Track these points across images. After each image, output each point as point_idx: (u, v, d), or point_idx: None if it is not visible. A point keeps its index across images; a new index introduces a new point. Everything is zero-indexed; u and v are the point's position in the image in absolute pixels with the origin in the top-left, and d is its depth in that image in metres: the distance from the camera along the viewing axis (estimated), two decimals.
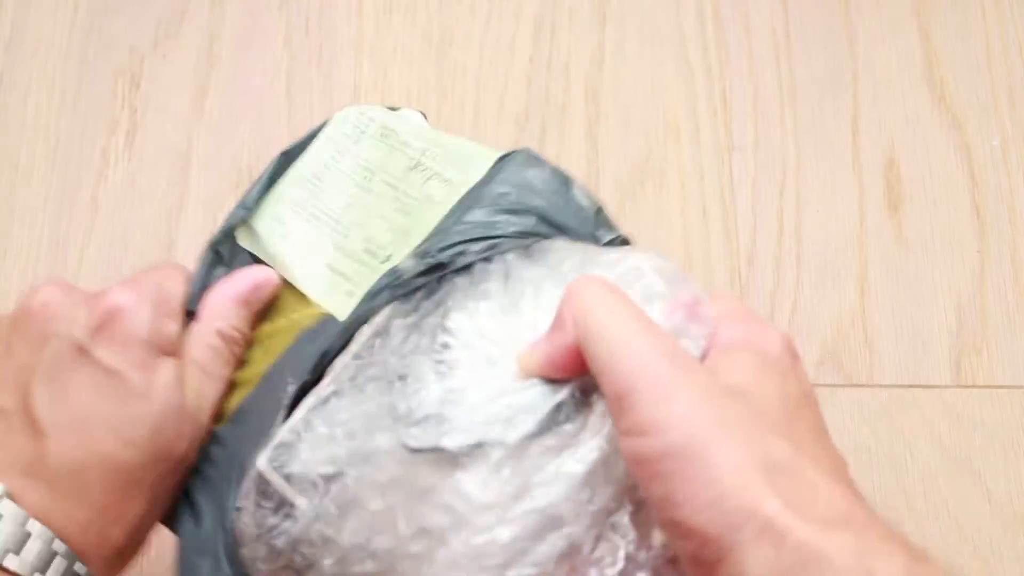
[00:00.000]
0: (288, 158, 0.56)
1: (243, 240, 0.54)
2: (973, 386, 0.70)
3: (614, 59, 0.78)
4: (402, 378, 0.42)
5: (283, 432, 0.42)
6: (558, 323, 0.38)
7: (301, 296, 0.52)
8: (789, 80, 0.77)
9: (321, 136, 0.56)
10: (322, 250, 0.53)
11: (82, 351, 0.42)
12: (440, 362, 0.42)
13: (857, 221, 0.74)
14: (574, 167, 0.74)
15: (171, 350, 0.45)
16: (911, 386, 0.69)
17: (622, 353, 0.34)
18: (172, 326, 0.46)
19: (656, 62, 0.78)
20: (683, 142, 0.75)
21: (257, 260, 0.53)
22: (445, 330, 0.43)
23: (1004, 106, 0.76)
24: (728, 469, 0.32)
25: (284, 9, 0.79)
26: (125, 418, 0.42)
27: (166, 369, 0.44)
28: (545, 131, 0.76)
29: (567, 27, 0.79)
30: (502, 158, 0.53)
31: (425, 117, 0.58)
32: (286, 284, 0.52)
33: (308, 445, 0.41)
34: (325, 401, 0.43)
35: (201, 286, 0.51)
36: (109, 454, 0.41)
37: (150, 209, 0.73)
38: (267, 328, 0.51)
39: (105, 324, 0.43)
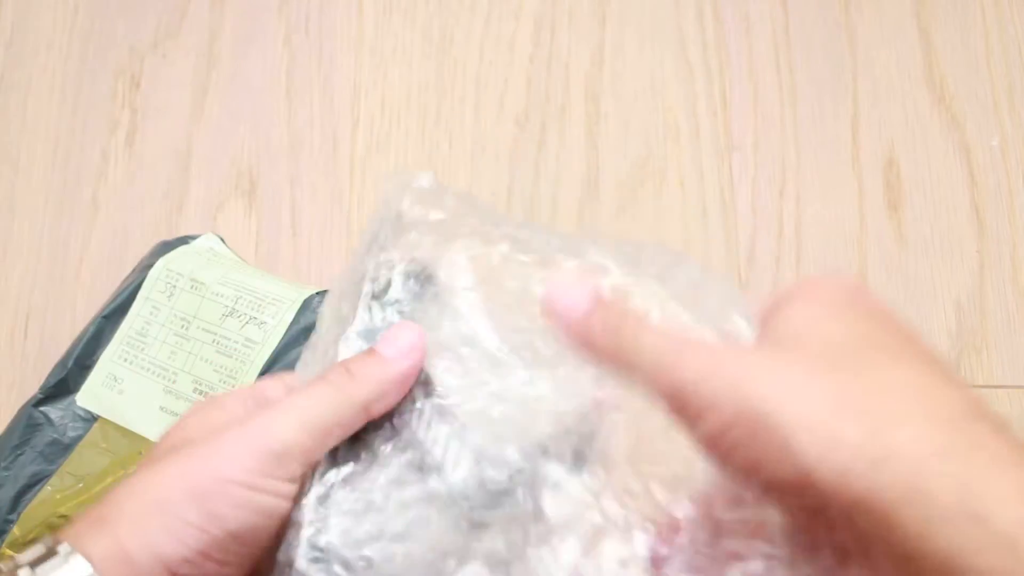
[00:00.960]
0: (109, 320, 0.63)
1: (84, 401, 0.61)
2: (972, 386, 0.70)
3: (614, 59, 0.78)
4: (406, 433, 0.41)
5: (306, 521, 0.41)
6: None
7: (137, 448, 0.59)
8: (789, 80, 0.77)
9: (139, 297, 0.64)
10: (154, 396, 0.61)
11: None
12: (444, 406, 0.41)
13: (857, 221, 0.74)
14: (574, 167, 0.74)
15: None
16: None
17: (661, 364, 0.34)
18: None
19: (656, 62, 0.78)
20: (683, 142, 0.76)
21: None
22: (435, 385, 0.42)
23: (1003, 106, 0.77)
24: (794, 411, 0.31)
25: (284, 9, 0.79)
26: None
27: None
28: (545, 131, 0.76)
29: (567, 27, 0.79)
30: (307, 299, 0.62)
31: (223, 241, 0.67)
32: (123, 439, 0.59)
33: (338, 526, 0.40)
34: (344, 479, 0.42)
35: (14, 447, 0.59)
36: None
37: (150, 209, 0.73)
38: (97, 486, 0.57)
39: None
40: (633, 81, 0.78)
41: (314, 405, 0.39)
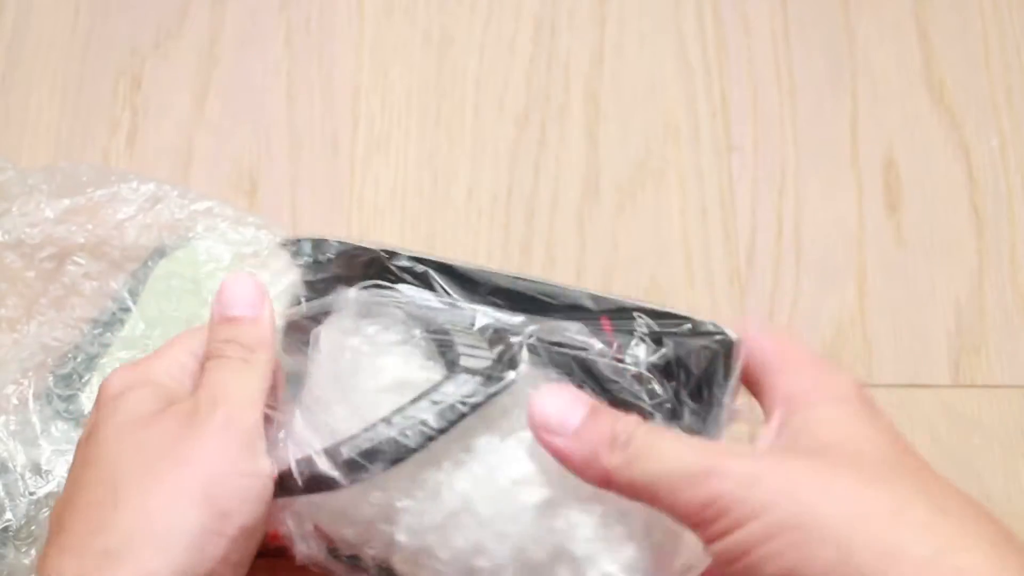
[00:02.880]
0: (110, 323, 0.64)
1: (86, 406, 0.60)
2: (972, 386, 0.70)
3: (614, 59, 0.78)
4: None
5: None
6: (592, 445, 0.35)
7: None
8: (788, 80, 0.78)
9: (140, 299, 0.64)
10: None
11: None
12: None
13: (856, 221, 0.74)
14: (574, 167, 0.75)
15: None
16: (910, 386, 0.70)
17: (689, 474, 0.33)
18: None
19: (656, 62, 0.78)
20: (682, 142, 0.76)
21: None
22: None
23: (1002, 106, 0.77)
24: (851, 522, 0.31)
25: (285, 9, 0.79)
26: None
27: None
28: (545, 131, 0.76)
29: (567, 27, 0.79)
30: None
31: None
32: None
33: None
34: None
35: None
36: None
37: None
38: None
39: None
40: (633, 81, 0.78)
41: (247, 382, 0.40)
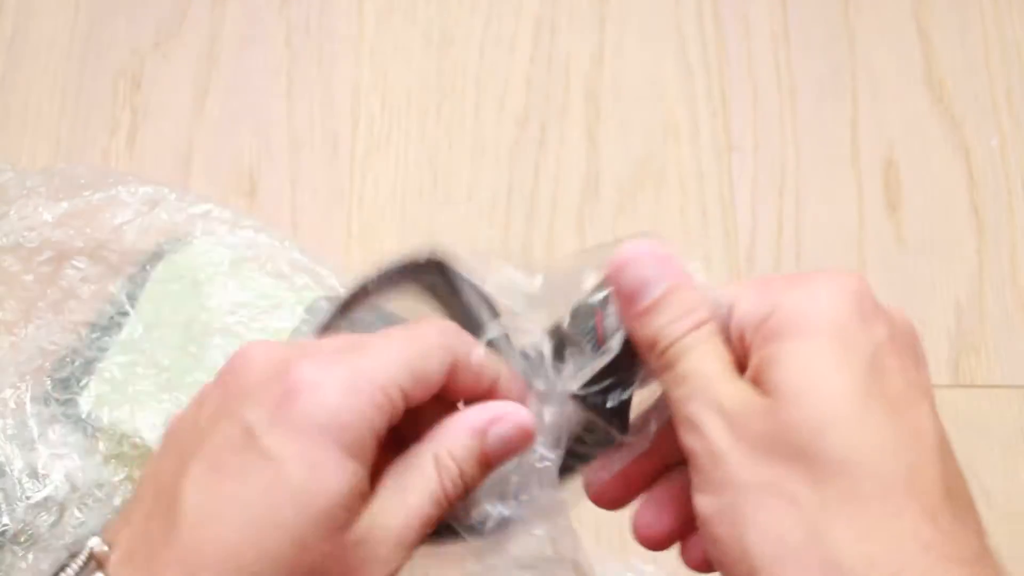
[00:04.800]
0: (109, 326, 0.63)
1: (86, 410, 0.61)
2: (971, 386, 0.70)
3: (614, 59, 0.78)
4: None
5: None
6: None
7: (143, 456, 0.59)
8: (788, 80, 0.78)
9: (140, 301, 0.63)
10: (159, 402, 0.61)
11: (250, 435, 0.33)
12: None
13: (856, 221, 0.74)
14: (574, 167, 0.75)
15: (360, 452, 0.34)
16: None
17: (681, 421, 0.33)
18: (365, 416, 0.34)
19: (656, 62, 0.78)
20: (683, 142, 0.76)
21: None
22: None
23: (1002, 106, 0.77)
24: (761, 551, 0.30)
25: (285, 9, 0.79)
26: (265, 517, 0.32)
27: (354, 473, 0.33)
28: (545, 131, 0.76)
29: (567, 27, 0.79)
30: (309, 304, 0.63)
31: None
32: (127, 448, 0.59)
33: None
34: None
35: None
36: (233, 554, 0.32)
37: None
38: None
39: (282, 403, 0.33)
40: (633, 81, 0.78)
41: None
